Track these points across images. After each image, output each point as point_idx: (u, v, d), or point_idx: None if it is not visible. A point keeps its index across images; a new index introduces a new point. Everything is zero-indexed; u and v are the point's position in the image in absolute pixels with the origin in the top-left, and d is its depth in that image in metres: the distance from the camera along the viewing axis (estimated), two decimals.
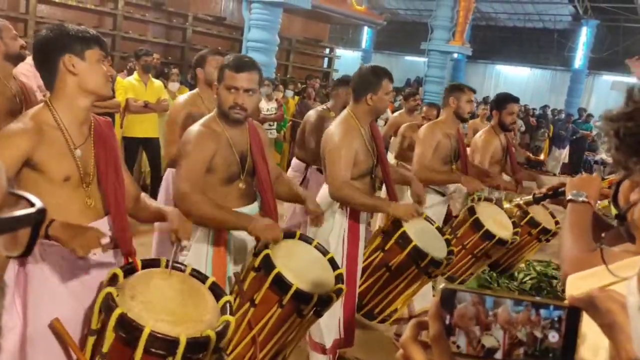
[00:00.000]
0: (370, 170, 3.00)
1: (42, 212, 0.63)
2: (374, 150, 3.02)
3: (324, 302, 2.24)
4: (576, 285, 1.02)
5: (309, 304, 2.19)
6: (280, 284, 2.17)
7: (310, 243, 2.51)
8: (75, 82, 1.90)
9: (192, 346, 1.65)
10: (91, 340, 1.78)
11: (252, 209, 2.50)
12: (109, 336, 1.66)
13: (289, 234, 2.49)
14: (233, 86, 2.36)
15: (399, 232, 2.88)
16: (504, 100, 4.25)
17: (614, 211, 0.83)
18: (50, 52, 1.90)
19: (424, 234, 3.00)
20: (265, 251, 2.23)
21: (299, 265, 2.34)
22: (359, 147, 2.89)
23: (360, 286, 3.03)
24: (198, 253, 2.41)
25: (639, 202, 0.65)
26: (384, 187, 3.48)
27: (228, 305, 1.89)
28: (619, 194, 0.84)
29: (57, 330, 1.83)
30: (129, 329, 1.64)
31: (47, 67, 1.91)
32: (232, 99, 2.36)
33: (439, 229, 3.20)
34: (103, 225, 1.98)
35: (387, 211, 2.90)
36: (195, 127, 2.42)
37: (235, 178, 2.45)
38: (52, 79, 1.92)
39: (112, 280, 1.81)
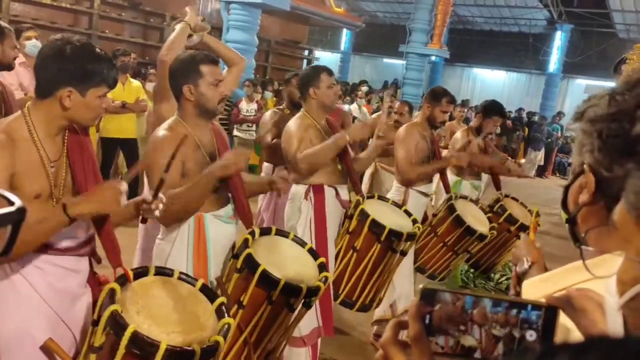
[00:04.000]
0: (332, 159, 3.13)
1: (22, 212, 0.62)
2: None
3: (312, 293, 2.25)
4: (530, 292, 1.04)
5: (299, 296, 2.20)
6: (267, 281, 2.17)
7: (287, 237, 2.54)
8: (62, 112, 1.79)
9: (205, 354, 1.69)
10: (93, 357, 1.74)
11: (227, 211, 2.46)
12: (120, 353, 1.65)
13: (264, 230, 2.50)
14: (218, 80, 2.34)
15: (359, 209, 3.01)
16: (492, 111, 4.29)
17: (564, 216, 0.84)
18: (53, 71, 1.76)
19: (385, 212, 3.13)
20: (247, 251, 2.23)
21: (281, 260, 2.35)
22: (313, 136, 3.05)
23: (333, 274, 3.08)
24: (179, 252, 2.35)
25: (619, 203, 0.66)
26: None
27: (223, 307, 1.93)
28: (567, 198, 0.85)
29: (51, 349, 1.80)
30: (143, 345, 1.64)
31: (43, 80, 1.79)
32: (219, 93, 2.34)
33: (406, 212, 3.30)
34: (75, 229, 1.90)
35: (345, 139, 2.98)
36: (160, 132, 2.30)
37: None
38: (41, 94, 1.80)
39: (111, 296, 1.78)
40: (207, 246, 2.39)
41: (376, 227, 2.94)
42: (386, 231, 2.91)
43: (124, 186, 1.73)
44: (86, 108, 1.80)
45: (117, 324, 1.67)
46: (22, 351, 1.82)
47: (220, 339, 1.75)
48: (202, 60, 2.32)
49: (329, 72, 3.13)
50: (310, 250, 2.51)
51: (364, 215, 2.99)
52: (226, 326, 1.83)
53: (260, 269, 2.16)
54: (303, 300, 2.26)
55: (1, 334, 1.81)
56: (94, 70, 1.78)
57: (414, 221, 3.21)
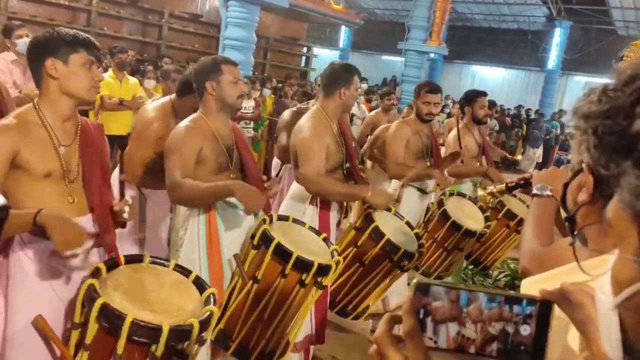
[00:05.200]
0: (341, 164, 3.06)
1: (4, 209, 0.63)
2: (343, 145, 3.10)
3: (323, 271, 2.32)
4: (529, 290, 1.03)
5: (310, 271, 2.27)
6: (281, 253, 2.27)
7: (303, 225, 2.67)
8: (56, 86, 1.92)
9: (175, 334, 1.66)
10: (75, 334, 1.78)
11: None
12: (92, 327, 1.67)
13: (282, 217, 2.64)
14: (238, 78, 2.56)
15: (372, 226, 2.90)
16: (474, 95, 4.34)
17: (563, 213, 0.84)
18: (37, 54, 1.93)
19: (394, 228, 3.09)
20: (263, 227, 2.34)
21: (296, 239, 2.45)
22: (330, 141, 2.95)
23: (333, 283, 3.03)
24: (191, 241, 2.47)
25: (589, 202, 0.66)
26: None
27: (212, 296, 1.92)
28: (567, 195, 0.84)
29: (40, 327, 1.82)
30: (111, 318, 1.65)
31: (35, 68, 1.95)
32: (239, 89, 2.56)
33: (408, 224, 3.27)
34: (87, 222, 1.99)
35: (364, 197, 2.91)
36: (182, 124, 2.53)
37: (225, 169, 2.54)
38: (38, 81, 1.95)
39: (95, 273, 1.82)
40: (219, 230, 2.49)
41: (390, 246, 2.88)
42: (400, 252, 2.86)
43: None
44: (74, 76, 1.92)
45: (90, 297, 1.68)
46: (27, 345, 1.85)
47: (195, 322, 1.71)
48: (222, 60, 2.57)
49: (359, 75, 3.10)
50: (325, 239, 2.63)
51: (378, 234, 2.88)
52: (208, 313, 1.81)
53: (274, 242, 2.27)
54: (314, 280, 2.33)
55: (10, 327, 1.85)
56: (67, 38, 1.93)
57: (417, 235, 3.19)
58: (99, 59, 2.00)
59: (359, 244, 2.95)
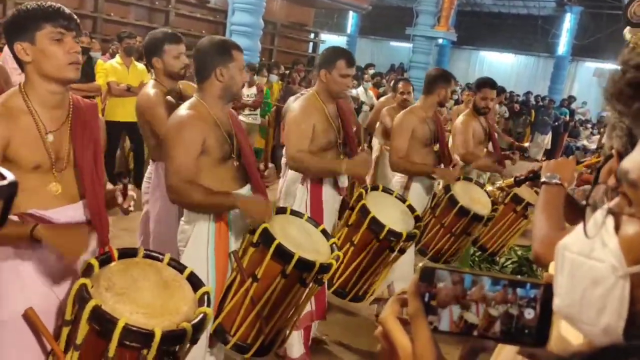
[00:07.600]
0: (333, 145, 3.05)
1: (13, 185, 0.63)
2: (339, 128, 3.09)
3: (324, 270, 2.30)
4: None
5: (312, 271, 2.25)
6: (282, 254, 2.23)
7: (301, 217, 2.61)
8: (32, 69, 1.82)
9: (167, 339, 1.64)
10: (65, 330, 1.75)
11: (247, 190, 2.53)
12: (83, 328, 1.64)
13: (280, 210, 2.59)
14: (243, 65, 2.46)
15: (360, 204, 2.95)
16: (481, 84, 4.33)
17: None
18: (7, 40, 1.83)
19: (387, 208, 3.05)
20: (263, 225, 2.28)
21: (295, 236, 2.41)
22: (318, 121, 2.96)
23: None
24: (200, 230, 2.41)
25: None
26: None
27: (206, 296, 1.87)
28: (599, 179, 0.86)
29: (30, 319, 1.79)
30: (102, 321, 1.62)
31: (12, 54, 1.84)
32: (243, 77, 2.46)
33: (410, 207, 3.23)
34: (77, 209, 1.93)
35: (340, 170, 2.94)
36: (181, 112, 2.38)
37: (228, 157, 2.45)
38: (19, 65, 1.86)
39: (87, 270, 1.78)
40: (229, 218, 2.45)
41: (376, 225, 2.88)
42: (385, 231, 2.85)
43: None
44: (44, 56, 1.80)
45: (82, 298, 1.66)
46: (17, 335, 1.81)
47: (188, 326, 1.68)
48: (232, 45, 2.45)
49: (349, 61, 3.00)
50: (323, 231, 2.58)
51: (364, 211, 2.91)
52: (201, 315, 1.77)
53: (275, 243, 2.22)
54: (315, 277, 2.30)
55: (1, 317, 1.82)
56: (29, 14, 1.80)
57: (417, 218, 3.15)
58: (70, 27, 1.83)
59: (349, 223, 3.01)
